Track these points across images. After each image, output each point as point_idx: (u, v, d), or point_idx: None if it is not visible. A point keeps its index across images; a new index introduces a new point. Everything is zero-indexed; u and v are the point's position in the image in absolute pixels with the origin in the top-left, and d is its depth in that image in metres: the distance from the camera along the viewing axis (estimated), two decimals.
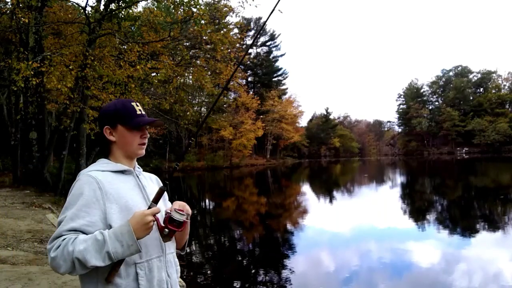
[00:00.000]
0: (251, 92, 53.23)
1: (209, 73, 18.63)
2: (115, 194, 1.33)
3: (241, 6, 20.45)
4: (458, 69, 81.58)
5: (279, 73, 61.91)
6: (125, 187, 1.38)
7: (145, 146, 1.47)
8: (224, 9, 18.84)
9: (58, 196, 11.25)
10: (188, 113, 24.02)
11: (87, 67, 10.94)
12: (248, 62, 54.06)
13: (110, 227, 1.28)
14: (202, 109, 45.76)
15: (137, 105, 1.45)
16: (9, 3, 14.17)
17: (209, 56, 17.14)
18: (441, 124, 75.67)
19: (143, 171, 1.55)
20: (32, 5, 11.35)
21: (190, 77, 20.98)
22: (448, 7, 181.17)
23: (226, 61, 16.23)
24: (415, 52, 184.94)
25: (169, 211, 1.35)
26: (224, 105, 48.07)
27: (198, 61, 18.50)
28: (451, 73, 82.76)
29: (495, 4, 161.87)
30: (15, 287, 3.64)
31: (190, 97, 37.64)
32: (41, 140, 13.11)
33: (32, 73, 10.08)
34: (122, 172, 1.42)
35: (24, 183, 12.78)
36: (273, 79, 60.90)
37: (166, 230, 1.33)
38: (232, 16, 24.51)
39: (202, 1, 15.79)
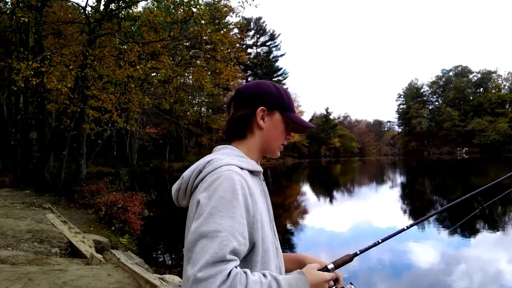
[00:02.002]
0: None
1: (209, 73, 18.61)
2: (256, 205, 1.01)
3: (241, 6, 20.43)
4: (458, 69, 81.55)
5: (279, 73, 61.98)
6: (258, 194, 1.06)
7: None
8: (224, 9, 18.79)
9: (58, 196, 11.23)
10: (188, 113, 24.07)
11: (87, 67, 10.96)
12: (248, 62, 54.08)
13: (252, 247, 0.99)
14: (202, 109, 45.80)
15: None
16: (9, 3, 14.20)
17: (209, 56, 17.12)
18: (441, 124, 75.64)
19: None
20: (32, 5, 11.36)
21: (190, 77, 20.97)
22: (448, 7, 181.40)
23: (226, 61, 16.24)
24: (415, 52, 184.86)
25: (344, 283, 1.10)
26: (224, 105, 48.05)
27: (198, 61, 18.48)
28: (451, 73, 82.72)
29: (495, 4, 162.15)
30: (15, 287, 3.64)
31: (190, 97, 37.62)
32: (41, 140, 13.10)
33: (32, 73, 10.09)
34: (253, 172, 1.10)
35: (24, 183, 12.76)
36: (273, 79, 60.93)
37: None
38: (232, 16, 24.43)
39: (202, 1, 15.77)
